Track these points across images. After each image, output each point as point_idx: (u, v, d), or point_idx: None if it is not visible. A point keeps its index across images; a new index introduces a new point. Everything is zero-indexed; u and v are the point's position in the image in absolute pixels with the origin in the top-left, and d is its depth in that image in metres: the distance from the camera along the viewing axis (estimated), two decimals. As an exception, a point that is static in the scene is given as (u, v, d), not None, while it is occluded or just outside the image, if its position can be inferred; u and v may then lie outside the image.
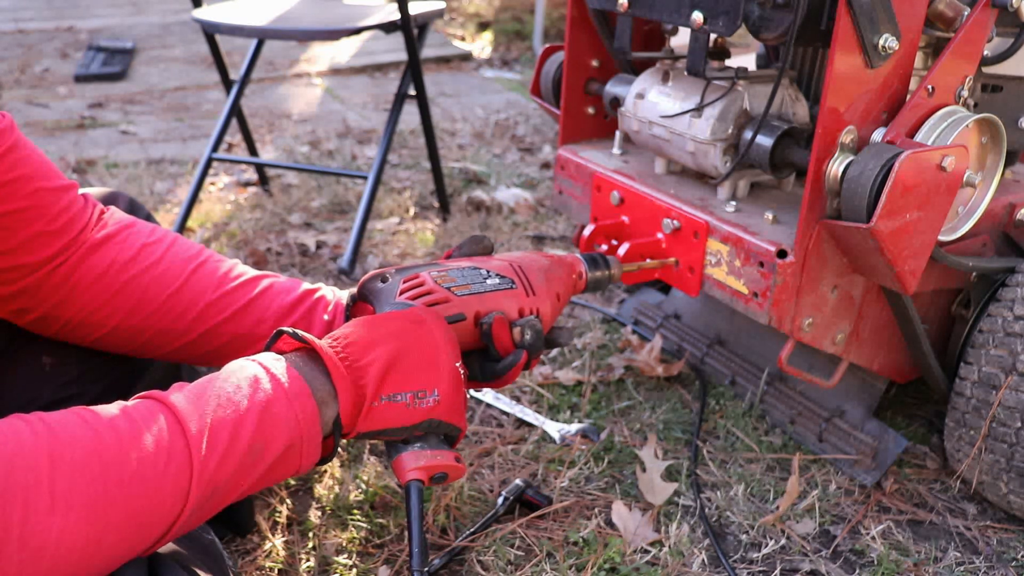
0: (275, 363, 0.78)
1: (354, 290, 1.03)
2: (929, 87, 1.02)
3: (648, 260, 1.23)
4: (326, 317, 1.01)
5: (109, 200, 1.08)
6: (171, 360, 1.03)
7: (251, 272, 1.02)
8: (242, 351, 0.96)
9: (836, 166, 1.02)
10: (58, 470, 0.61)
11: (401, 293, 0.94)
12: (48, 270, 0.90)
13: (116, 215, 0.98)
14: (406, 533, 0.83)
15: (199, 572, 0.76)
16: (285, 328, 0.82)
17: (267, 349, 0.83)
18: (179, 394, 0.72)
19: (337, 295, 1.04)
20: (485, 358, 0.97)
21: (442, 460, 0.84)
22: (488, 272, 0.99)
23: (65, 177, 0.92)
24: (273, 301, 0.99)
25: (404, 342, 0.83)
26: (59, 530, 0.60)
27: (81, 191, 1.01)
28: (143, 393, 0.73)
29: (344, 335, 0.82)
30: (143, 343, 0.98)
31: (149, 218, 1.11)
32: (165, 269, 0.95)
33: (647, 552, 1.14)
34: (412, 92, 2.08)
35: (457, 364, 0.86)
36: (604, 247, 1.29)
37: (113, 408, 0.69)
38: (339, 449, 0.98)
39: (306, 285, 1.03)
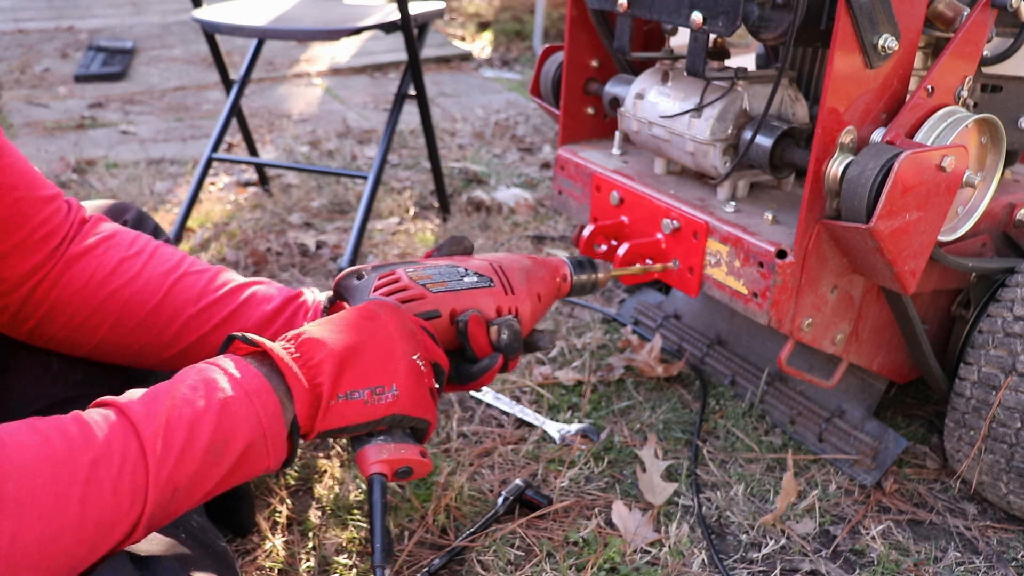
0: (230, 364, 0.77)
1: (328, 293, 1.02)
2: (929, 87, 1.02)
3: (638, 265, 1.22)
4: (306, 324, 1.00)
5: (117, 211, 1.07)
6: (166, 370, 1.03)
7: (235, 280, 1.01)
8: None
9: (836, 166, 1.02)
10: (7, 475, 0.61)
11: (375, 290, 0.93)
12: (31, 284, 0.90)
13: (101, 225, 0.97)
14: (371, 528, 0.82)
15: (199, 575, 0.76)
16: (235, 333, 0.81)
17: (223, 351, 0.82)
18: (133, 398, 0.72)
19: (318, 297, 1.03)
20: (461, 359, 0.96)
21: (406, 454, 0.82)
22: (466, 270, 0.97)
23: (52, 185, 0.92)
24: (255, 311, 0.99)
25: (357, 338, 0.82)
26: (11, 533, 0.60)
27: (88, 202, 1.01)
28: (97, 400, 0.73)
29: (296, 335, 0.81)
30: (132, 355, 0.98)
31: (157, 230, 1.11)
32: (144, 284, 0.94)
33: (647, 552, 1.14)
34: (412, 92, 2.08)
35: (415, 357, 0.84)
36: (604, 247, 1.29)
37: (66, 416, 0.69)
38: (298, 450, 0.96)
39: (288, 291, 1.02)
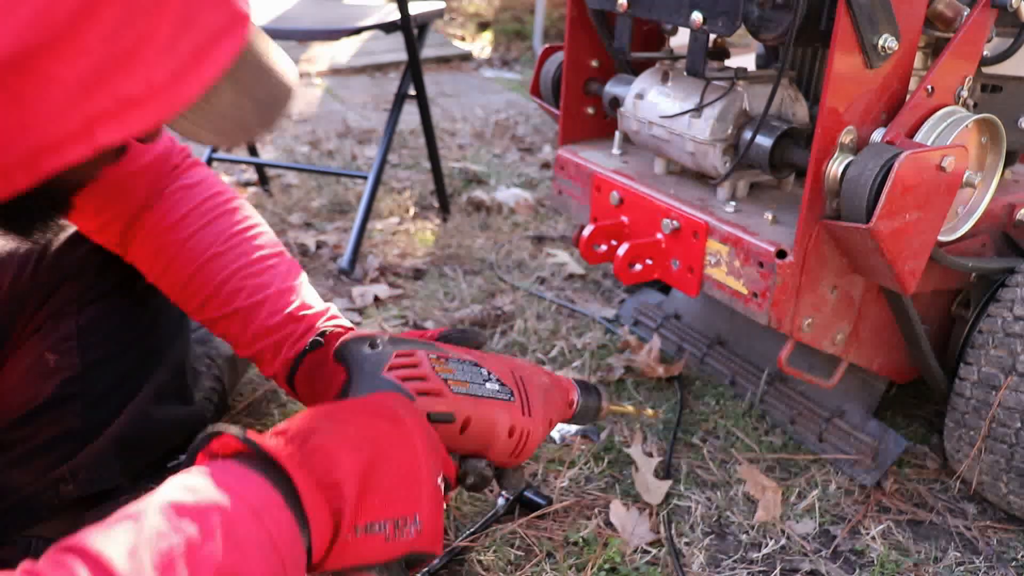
0: (225, 474, 0.60)
1: (335, 324, 0.95)
2: (929, 87, 1.02)
3: (626, 404, 1.20)
4: (290, 355, 0.93)
5: None
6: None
7: (269, 273, 0.96)
8: (235, 350, 0.99)
9: (836, 166, 1.02)
10: None
11: (390, 368, 0.80)
12: (137, 215, 0.98)
13: (193, 169, 1.02)
14: None
15: None
16: (228, 428, 0.63)
17: (197, 449, 0.65)
18: (107, 548, 0.51)
19: (322, 325, 0.94)
20: None
21: None
22: (489, 374, 0.86)
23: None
24: (256, 318, 0.95)
25: (379, 449, 0.67)
26: None
27: None
28: (64, 544, 0.52)
29: (300, 435, 0.65)
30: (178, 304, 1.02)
31: None
32: (190, 249, 0.97)
33: (647, 552, 1.14)
34: (412, 92, 2.08)
35: (439, 480, 0.71)
36: (603, 247, 1.29)
37: None
38: None
39: (295, 307, 0.95)
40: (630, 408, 1.15)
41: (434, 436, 0.75)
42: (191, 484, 0.57)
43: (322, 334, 0.93)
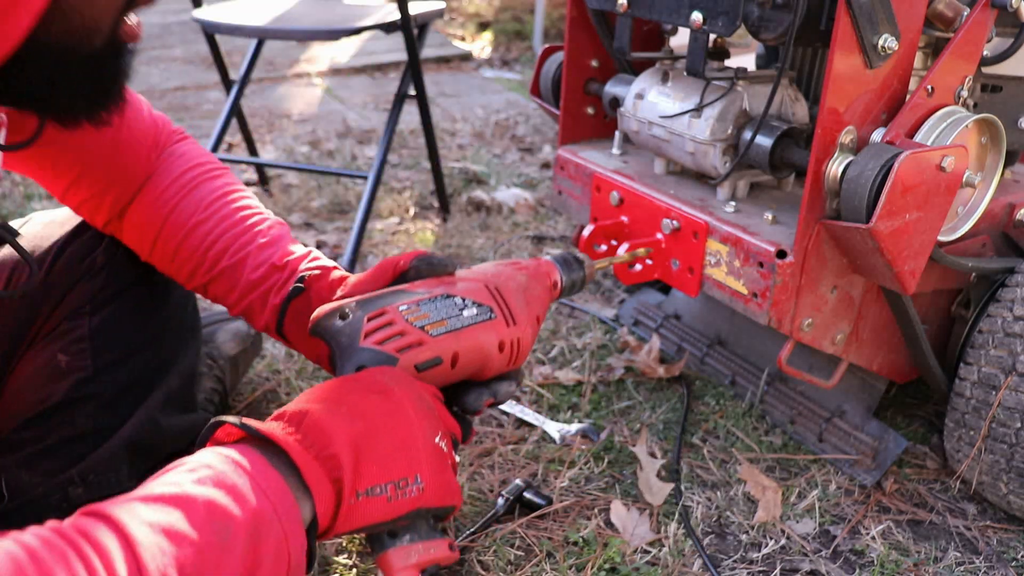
0: (223, 449, 0.66)
1: (318, 266, 0.95)
2: (929, 87, 1.02)
3: (616, 255, 1.19)
4: (275, 301, 0.95)
5: None
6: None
7: (248, 232, 0.97)
8: (230, 311, 0.99)
9: (835, 166, 1.02)
10: None
11: (366, 335, 0.79)
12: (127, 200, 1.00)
13: (175, 141, 1.04)
14: None
15: None
16: (226, 418, 0.69)
17: (205, 439, 0.70)
18: (119, 506, 0.57)
19: (303, 267, 0.96)
20: (451, 399, 0.87)
21: (435, 553, 0.73)
22: (464, 300, 0.85)
23: (148, 106, 1.02)
24: (241, 275, 0.96)
25: (372, 422, 0.71)
26: None
27: None
28: (87, 509, 0.58)
29: (298, 415, 0.70)
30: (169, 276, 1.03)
31: None
32: (173, 222, 0.98)
33: (647, 552, 1.14)
34: (412, 92, 2.08)
35: (437, 439, 0.74)
36: (603, 247, 1.29)
37: (56, 541, 0.54)
38: (316, 556, 0.85)
39: (276, 258, 0.96)
40: (619, 256, 1.17)
41: (428, 400, 0.77)
42: (205, 462, 0.63)
43: (301, 279, 0.93)
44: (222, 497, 0.60)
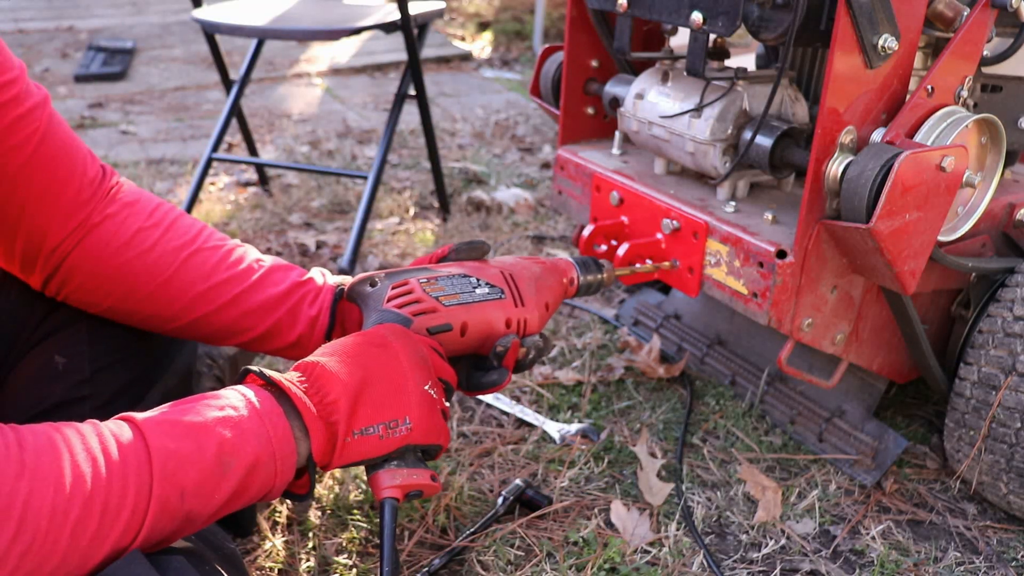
0: (248, 390, 0.79)
1: (343, 279, 1.04)
2: (929, 87, 1.02)
3: (639, 265, 1.23)
4: (312, 312, 1.01)
5: None
6: (173, 337, 1.05)
7: (248, 259, 1.01)
8: (230, 339, 1.00)
9: (835, 166, 1.02)
10: (30, 489, 0.64)
11: (389, 300, 0.94)
12: (67, 246, 0.92)
13: (125, 188, 0.98)
14: (380, 549, 0.83)
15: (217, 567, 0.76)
16: (251, 368, 0.82)
17: (238, 382, 0.84)
18: (149, 414, 0.74)
19: (328, 282, 1.04)
20: (472, 367, 0.99)
21: (418, 479, 0.84)
22: (478, 281, 0.98)
23: (87, 149, 0.95)
24: (261, 294, 0.99)
25: (369, 370, 0.82)
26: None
27: None
28: (117, 416, 0.75)
29: (309, 366, 0.82)
30: (139, 322, 1.00)
31: None
32: (157, 258, 0.95)
33: (647, 552, 1.14)
34: (412, 92, 2.08)
35: (427, 387, 0.86)
36: (603, 247, 1.29)
37: (87, 429, 0.70)
38: (315, 484, 0.97)
39: (297, 275, 1.02)
40: (640, 267, 1.21)
41: (423, 352, 0.87)
42: (225, 395, 0.77)
43: (339, 286, 1.03)
44: (234, 437, 0.73)
